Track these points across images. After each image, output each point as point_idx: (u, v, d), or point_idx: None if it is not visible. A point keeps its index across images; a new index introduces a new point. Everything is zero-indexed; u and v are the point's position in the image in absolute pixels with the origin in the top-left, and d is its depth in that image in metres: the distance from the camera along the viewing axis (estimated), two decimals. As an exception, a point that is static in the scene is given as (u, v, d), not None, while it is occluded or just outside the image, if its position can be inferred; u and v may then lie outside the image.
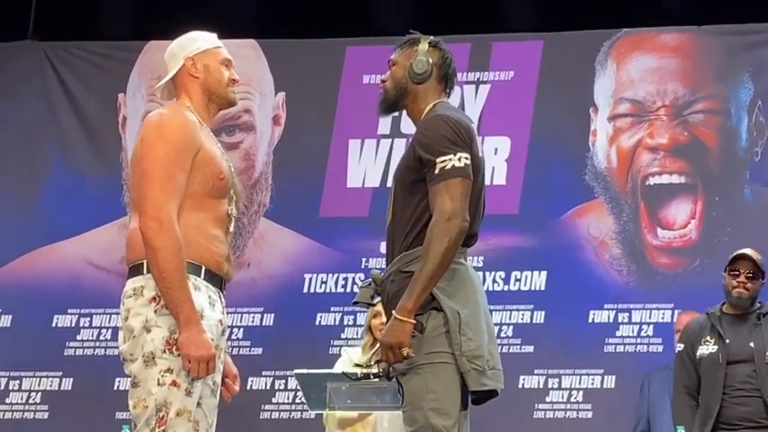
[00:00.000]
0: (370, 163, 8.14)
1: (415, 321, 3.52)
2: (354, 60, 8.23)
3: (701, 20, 7.94)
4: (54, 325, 8.19)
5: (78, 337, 8.16)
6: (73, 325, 8.19)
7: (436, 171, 3.56)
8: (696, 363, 5.74)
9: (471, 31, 8.06)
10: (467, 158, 3.58)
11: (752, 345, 5.66)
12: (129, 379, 3.58)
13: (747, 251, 5.79)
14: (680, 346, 5.88)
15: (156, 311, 3.50)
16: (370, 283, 3.74)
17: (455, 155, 3.57)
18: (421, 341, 3.55)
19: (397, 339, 3.51)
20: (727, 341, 5.68)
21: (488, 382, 3.57)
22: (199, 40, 3.75)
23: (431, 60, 3.75)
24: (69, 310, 8.22)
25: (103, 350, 7.93)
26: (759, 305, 5.80)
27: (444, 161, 3.56)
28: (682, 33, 8.02)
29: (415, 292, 3.51)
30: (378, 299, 3.79)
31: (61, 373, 8.09)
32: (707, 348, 5.72)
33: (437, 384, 3.55)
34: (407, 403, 3.60)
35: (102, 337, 8.06)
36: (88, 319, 8.18)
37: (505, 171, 7.95)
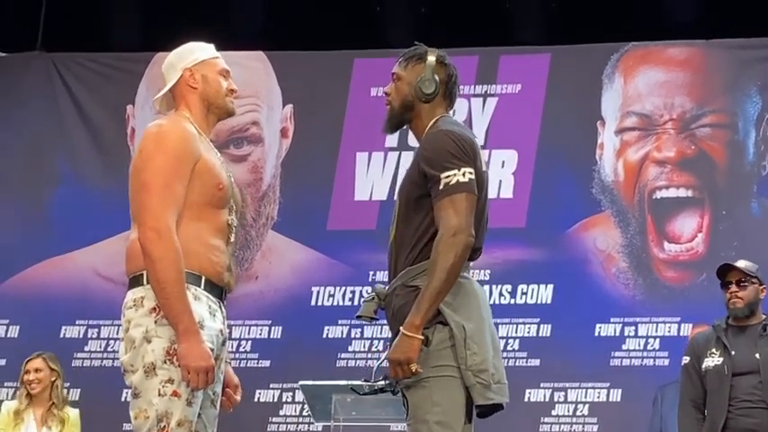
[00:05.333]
0: (377, 176, 8.15)
1: (422, 337, 3.52)
2: (362, 73, 8.24)
3: (708, 34, 7.94)
4: (62, 336, 8.21)
5: (86, 349, 8.18)
6: (81, 336, 8.21)
7: (441, 186, 3.55)
8: (702, 375, 5.73)
9: (479, 44, 8.07)
10: (471, 173, 3.57)
11: (757, 356, 5.65)
12: (130, 390, 3.58)
13: (732, 262, 5.81)
14: (686, 359, 5.87)
15: (156, 322, 3.50)
16: (373, 298, 3.72)
17: (459, 170, 3.56)
18: (427, 355, 3.54)
19: (405, 355, 3.50)
20: (733, 353, 5.67)
21: (493, 396, 3.55)
22: (197, 51, 3.75)
23: (438, 78, 3.73)
24: (77, 322, 8.24)
25: (111, 361, 7.95)
26: (765, 316, 5.79)
27: (449, 176, 3.55)
28: (689, 47, 8.02)
29: (423, 307, 3.50)
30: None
31: (69, 384, 8.08)
32: (712, 361, 5.71)
33: (442, 398, 3.54)
34: (412, 416, 3.59)
35: (109, 349, 8.08)
36: (96, 330, 8.20)
37: (512, 184, 7.95)
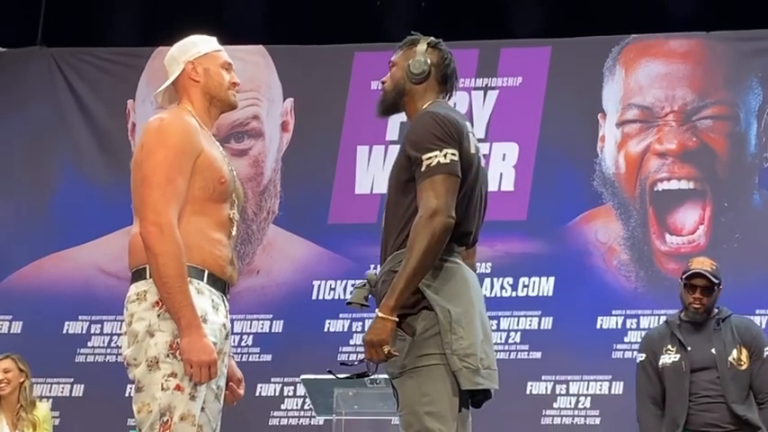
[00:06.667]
0: (378, 169, 8.14)
1: (396, 319, 3.51)
2: (362, 66, 8.23)
3: (709, 26, 7.93)
4: (65, 332, 8.21)
5: (89, 344, 8.18)
6: (84, 332, 8.21)
7: (422, 168, 3.55)
8: (659, 372, 5.75)
9: (479, 38, 8.06)
10: (454, 155, 3.56)
11: (713, 351, 5.68)
12: (133, 384, 3.58)
13: (702, 268, 5.78)
14: (641, 356, 5.91)
15: (159, 316, 3.51)
16: (364, 284, 3.73)
17: (441, 151, 3.55)
18: (412, 344, 3.54)
19: (378, 337, 3.49)
20: (689, 349, 5.70)
21: (482, 381, 3.54)
22: (199, 44, 3.76)
23: (429, 60, 3.74)
24: (80, 317, 8.23)
25: (114, 357, 7.95)
26: (717, 310, 5.82)
27: (430, 158, 3.54)
28: (690, 39, 8.01)
29: (398, 289, 3.49)
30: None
31: (72, 380, 8.11)
32: (669, 357, 5.74)
33: (430, 387, 3.52)
34: (402, 407, 3.58)
35: (113, 344, 8.08)
36: (99, 325, 8.20)
37: (513, 177, 7.94)
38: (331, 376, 5.98)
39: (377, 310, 3.54)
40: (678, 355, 5.72)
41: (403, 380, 3.57)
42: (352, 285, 7.99)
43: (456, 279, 3.59)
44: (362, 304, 3.71)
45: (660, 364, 5.76)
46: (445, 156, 3.55)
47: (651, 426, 5.79)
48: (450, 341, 3.51)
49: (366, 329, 3.55)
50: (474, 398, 3.63)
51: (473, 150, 3.67)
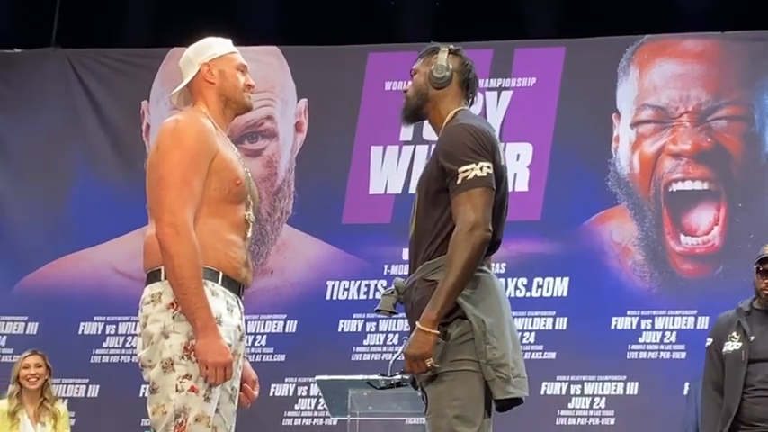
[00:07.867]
0: (392, 169, 8.15)
1: (438, 332, 3.53)
2: (376, 67, 8.25)
3: (724, 26, 7.92)
4: (80, 332, 8.24)
5: (104, 345, 8.21)
6: (99, 332, 8.23)
7: (458, 181, 3.57)
8: (723, 359, 5.68)
9: (494, 38, 8.07)
10: (489, 168, 3.58)
11: None
12: (148, 385, 3.59)
13: None
14: (709, 341, 5.81)
15: (173, 317, 3.51)
16: (392, 291, 3.76)
17: (477, 164, 3.57)
18: (445, 349, 3.56)
19: (420, 351, 3.52)
20: (752, 338, 5.61)
21: (513, 390, 3.57)
22: (214, 46, 3.76)
23: (451, 66, 3.77)
24: (95, 318, 8.26)
25: (129, 357, 7.97)
26: None
27: (467, 171, 3.57)
28: (705, 39, 8.00)
29: (439, 302, 3.51)
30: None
31: (87, 380, 8.14)
32: (732, 345, 5.66)
33: (461, 392, 3.55)
34: (431, 410, 3.61)
35: (127, 345, 8.10)
36: (114, 326, 8.22)
37: (528, 177, 7.96)
38: (345, 377, 6.01)
39: (417, 323, 3.54)
40: (740, 344, 5.62)
41: (434, 383, 3.59)
42: (366, 285, 8.08)
43: (488, 289, 3.62)
44: (391, 312, 3.75)
45: (724, 350, 5.67)
46: (481, 169, 3.57)
47: (709, 413, 5.70)
48: (484, 350, 3.55)
49: (407, 342, 3.58)
50: (498, 402, 3.65)
51: (502, 162, 3.70)
